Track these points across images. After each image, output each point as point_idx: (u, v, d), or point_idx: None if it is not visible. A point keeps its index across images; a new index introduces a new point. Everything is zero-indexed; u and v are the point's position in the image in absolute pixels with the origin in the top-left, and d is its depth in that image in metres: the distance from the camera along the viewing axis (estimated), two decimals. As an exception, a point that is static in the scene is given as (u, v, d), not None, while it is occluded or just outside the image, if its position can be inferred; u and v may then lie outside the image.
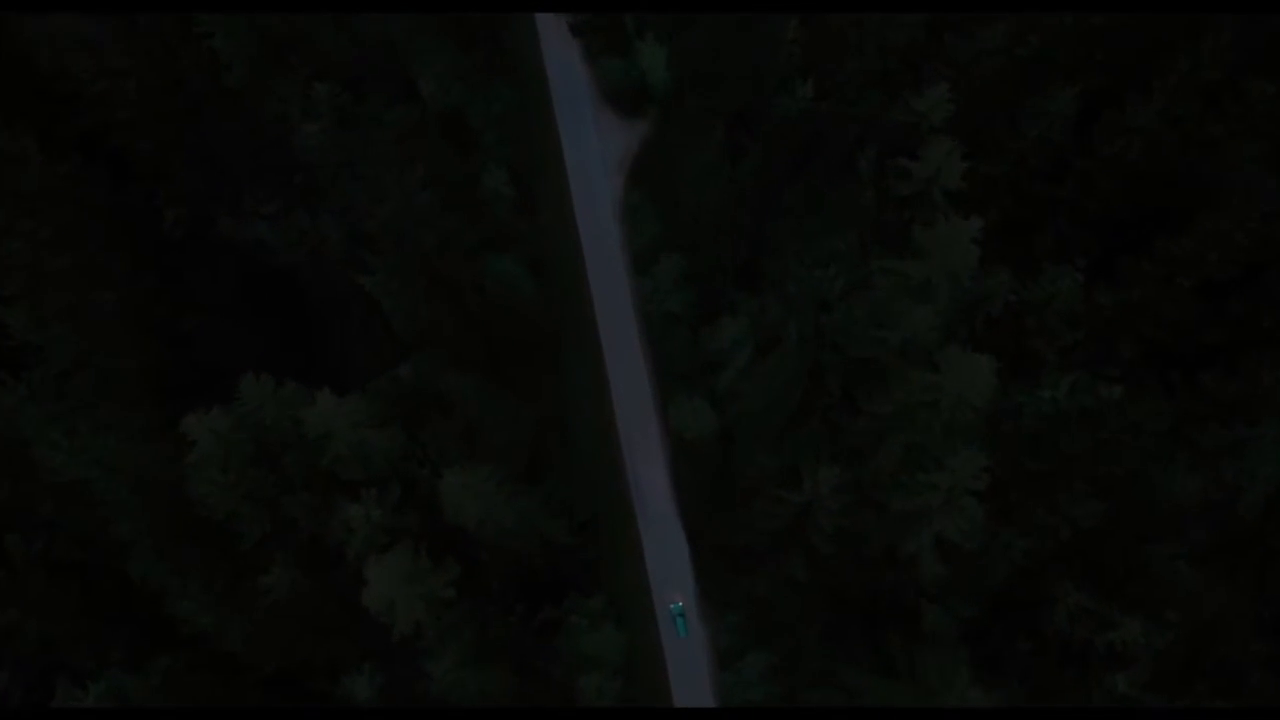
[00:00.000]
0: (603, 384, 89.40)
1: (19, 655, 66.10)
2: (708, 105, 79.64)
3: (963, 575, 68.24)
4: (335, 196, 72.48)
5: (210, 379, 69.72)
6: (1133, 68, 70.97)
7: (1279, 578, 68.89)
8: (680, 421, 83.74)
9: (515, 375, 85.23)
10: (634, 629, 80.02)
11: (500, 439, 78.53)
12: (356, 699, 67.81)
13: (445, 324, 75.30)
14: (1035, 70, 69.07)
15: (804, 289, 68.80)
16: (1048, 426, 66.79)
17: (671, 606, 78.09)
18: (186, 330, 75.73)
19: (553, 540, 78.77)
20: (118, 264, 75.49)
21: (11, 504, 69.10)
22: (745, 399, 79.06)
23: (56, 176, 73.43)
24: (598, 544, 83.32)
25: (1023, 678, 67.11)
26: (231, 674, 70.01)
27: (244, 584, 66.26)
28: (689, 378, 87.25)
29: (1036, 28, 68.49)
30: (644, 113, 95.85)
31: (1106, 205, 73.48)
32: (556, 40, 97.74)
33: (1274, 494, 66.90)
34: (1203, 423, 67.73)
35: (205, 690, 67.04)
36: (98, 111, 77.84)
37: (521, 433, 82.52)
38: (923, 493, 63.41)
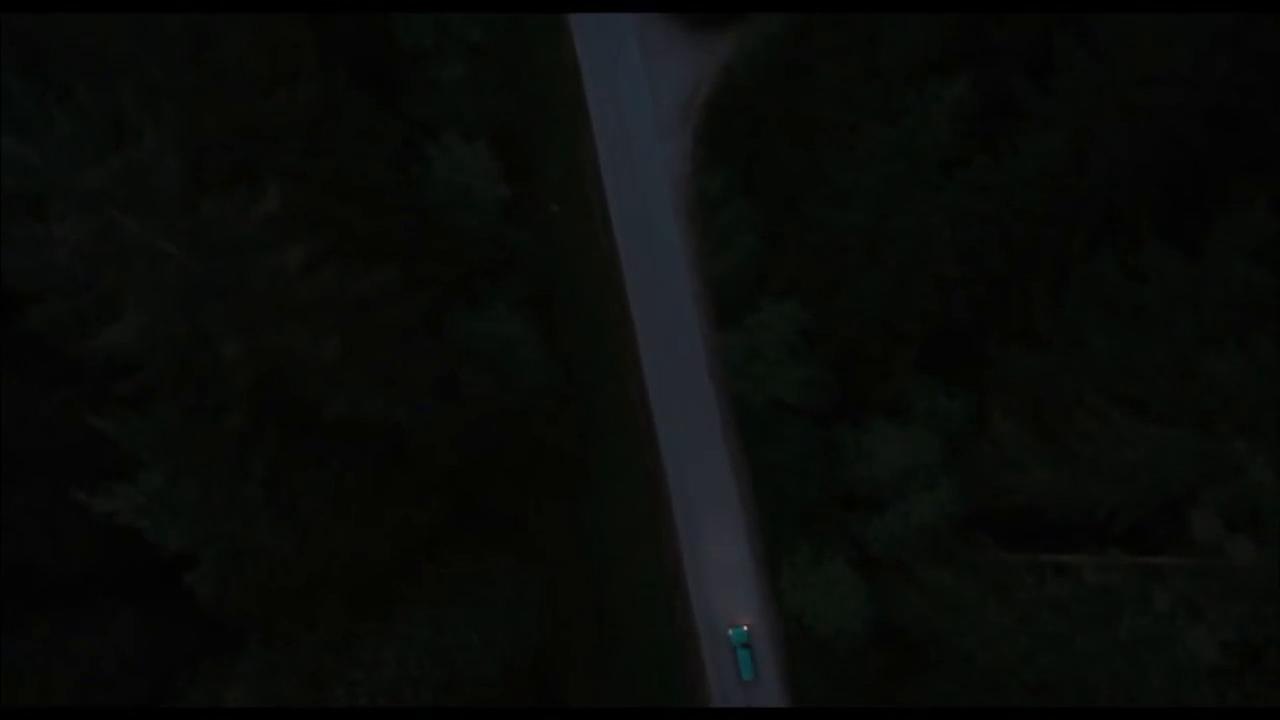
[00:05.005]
0: (660, 525, 51.72)
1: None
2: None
3: None
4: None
5: None
6: None
7: None
8: (802, 604, 48.47)
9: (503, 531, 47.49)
10: None
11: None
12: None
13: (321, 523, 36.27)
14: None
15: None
16: None
17: (732, 632, 50.59)
18: None
19: None
20: None
21: None
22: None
23: None
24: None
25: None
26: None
27: None
28: (816, 519, 50.18)
29: None
30: (730, 20, 54.66)
31: None
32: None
33: None
34: None
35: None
36: None
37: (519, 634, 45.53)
38: None
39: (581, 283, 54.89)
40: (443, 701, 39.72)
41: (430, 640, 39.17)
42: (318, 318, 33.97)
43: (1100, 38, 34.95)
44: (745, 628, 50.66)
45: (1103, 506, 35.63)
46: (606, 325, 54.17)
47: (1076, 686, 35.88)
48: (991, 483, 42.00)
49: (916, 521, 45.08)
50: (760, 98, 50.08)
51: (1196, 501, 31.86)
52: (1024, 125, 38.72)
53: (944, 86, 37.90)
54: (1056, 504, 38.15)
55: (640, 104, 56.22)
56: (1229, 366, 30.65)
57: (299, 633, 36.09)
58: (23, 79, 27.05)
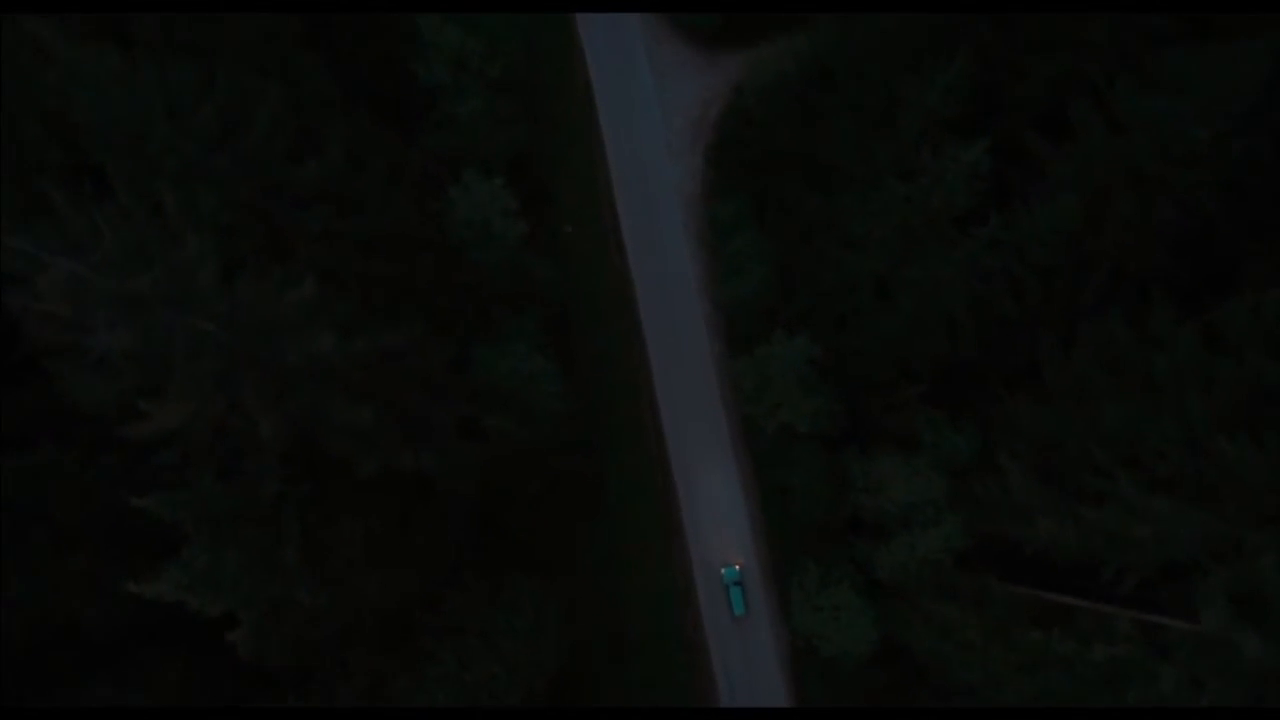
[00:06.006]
0: (671, 542, 53.32)
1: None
2: None
3: None
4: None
5: None
6: None
7: None
8: (810, 625, 49.84)
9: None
10: None
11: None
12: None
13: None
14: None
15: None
16: None
17: (724, 571, 52.33)
18: None
19: None
20: None
21: None
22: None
23: None
24: None
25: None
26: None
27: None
28: (823, 539, 51.51)
29: None
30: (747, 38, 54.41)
31: None
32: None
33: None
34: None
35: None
36: None
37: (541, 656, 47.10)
38: None
39: (594, 302, 55.35)
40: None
41: (457, 676, 40.64)
42: (351, 383, 34.71)
43: (1119, 112, 35.36)
44: (738, 566, 52.07)
45: (1109, 567, 36.92)
46: (619, 344, 54.80)
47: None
48: (996, 523, 43.26)
49: (921, 554, 46.39)
50: (773, 135, 50.08)
51: (1202, 571, 33.12)
52: (1038, 183, 39.25)
53: (961, 149, 38.28)
54: (1062, 554, 39.41)
55: (651, 123, 56.19)
56: (1238, 451, 31.67)
57: (334, 681, 37.44)
58: (65, 188, 27.31)
